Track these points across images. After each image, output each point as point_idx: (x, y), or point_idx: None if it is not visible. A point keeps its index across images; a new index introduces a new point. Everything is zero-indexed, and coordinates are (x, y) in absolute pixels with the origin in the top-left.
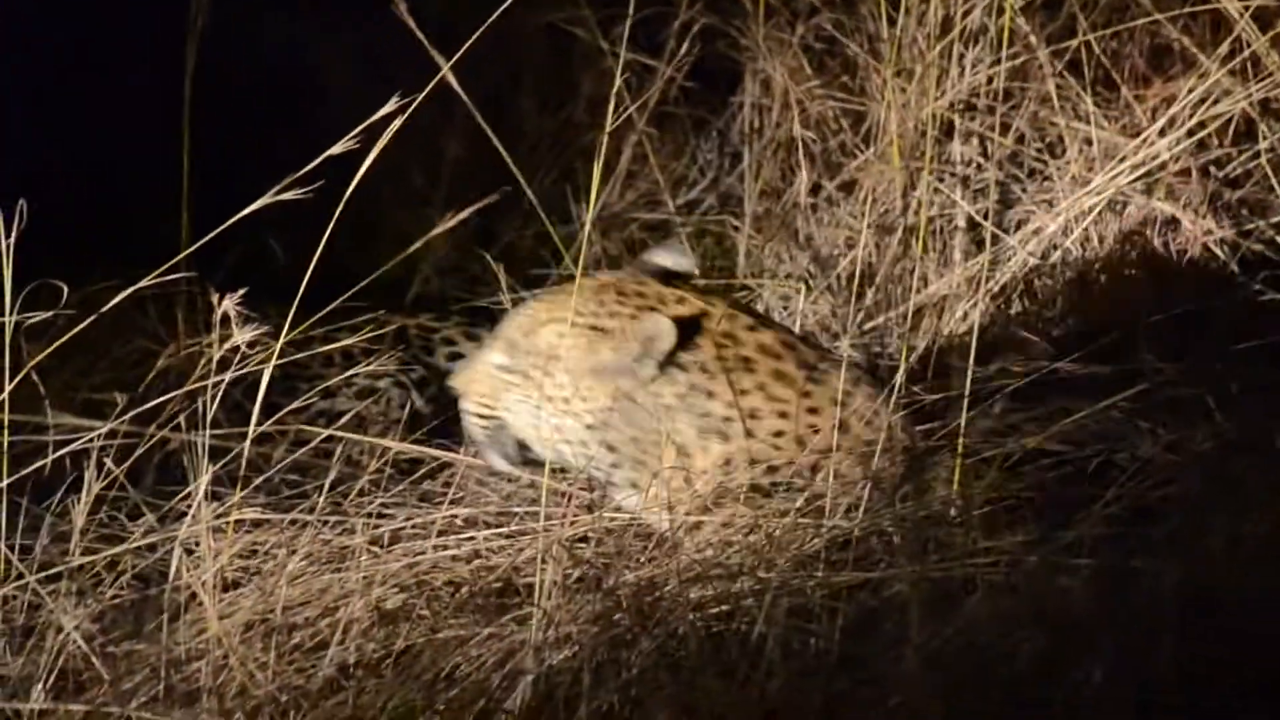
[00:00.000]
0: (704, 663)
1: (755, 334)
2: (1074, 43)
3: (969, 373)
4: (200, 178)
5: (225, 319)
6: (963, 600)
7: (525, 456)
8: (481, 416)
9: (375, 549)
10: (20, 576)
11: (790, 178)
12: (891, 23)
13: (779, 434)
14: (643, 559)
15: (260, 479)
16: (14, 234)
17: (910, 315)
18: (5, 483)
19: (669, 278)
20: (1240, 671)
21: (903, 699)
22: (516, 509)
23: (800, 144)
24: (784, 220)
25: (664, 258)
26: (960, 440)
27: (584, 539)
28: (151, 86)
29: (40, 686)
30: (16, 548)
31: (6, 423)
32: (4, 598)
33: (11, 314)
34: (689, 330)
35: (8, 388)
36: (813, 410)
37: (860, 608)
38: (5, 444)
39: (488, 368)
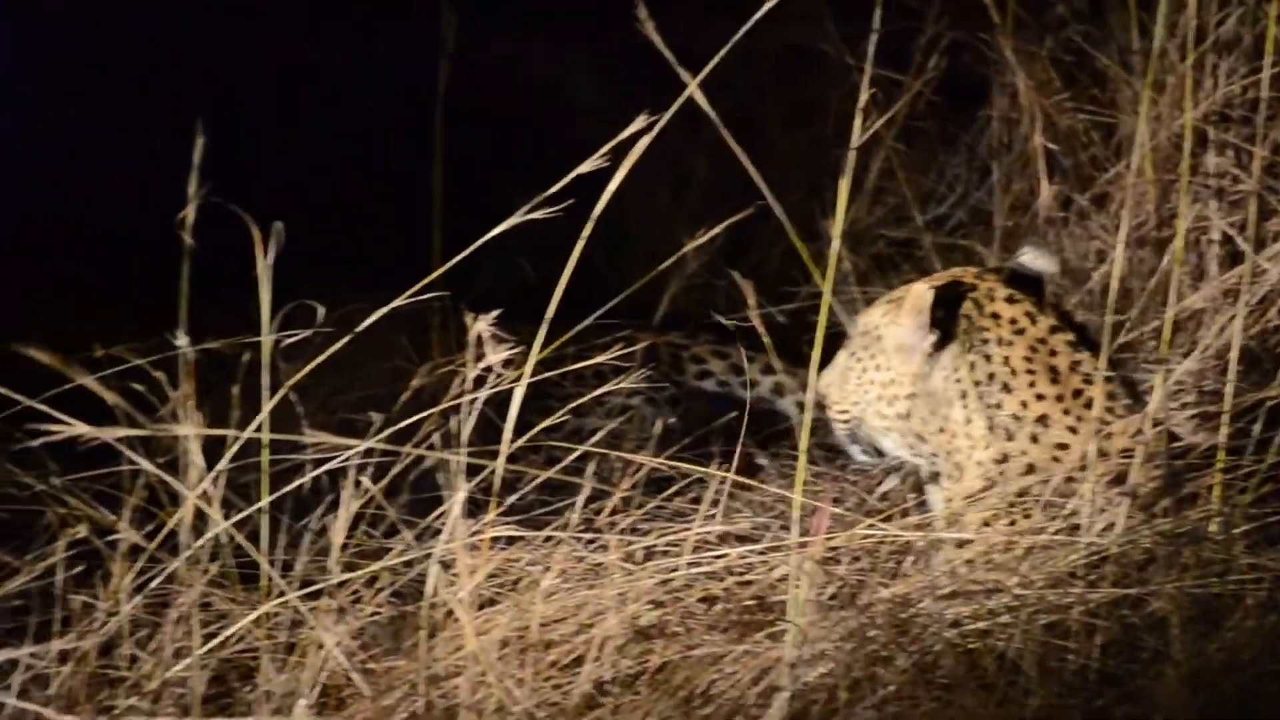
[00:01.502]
0: (961, 680)
1: (1073, 351)
2: None
3: (1230, 387)
4: (450, 196)
5: (478, 338)
6: (1225, 618)
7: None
8: (840, 415)
9: (629, 566)
10: (282, 594)
11: (1039, 191)
12: (1143, 33)
13: (1062, 446)
14: (897, 574)
15: (514, 497)
16: (272, 255)
17: (1166, 330)
18: (266, 501)
19: (1024, 280)
20: None
21: (1164, 716)
22: (770, 525)
23: (1049, 157)
24: (1033, 234)
25: (1026, 256)
26: (1221, 454)
27: (838, 554)
28: (401, 105)
29: (303, 702)
30: (278, 565)
31: (267, 441)
32: (267, 615)
33: (269, 333)
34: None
35: (267, 407)
36: (1105, 436)
37: (1119, 625)
38: (266, 462)
39: (841, 364)
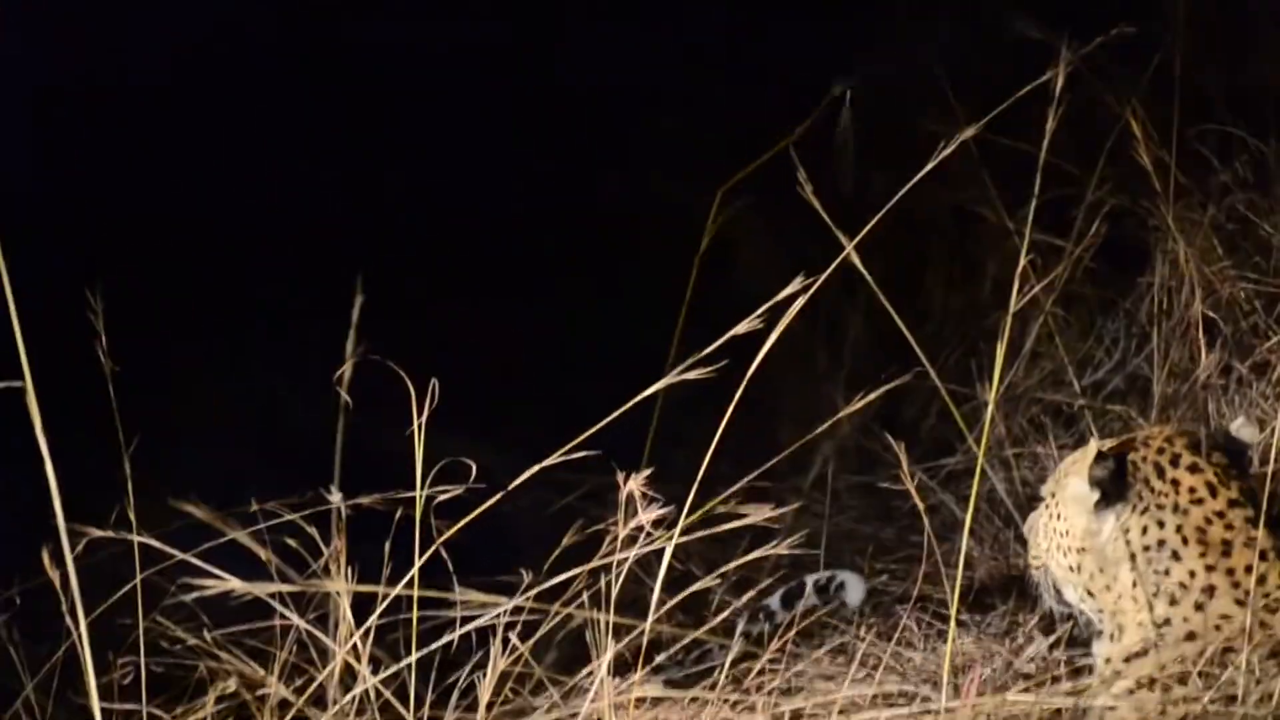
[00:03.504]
0: None
1: (1250, 527)
2: None
3: None
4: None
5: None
6: None
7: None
8: (1033, 558)
9: None
10: None
11: (1199, 359)
12: None
13: (1225, 617)
14: None
15: (662, 656)
16: (426, 413)
17: None
18: (414, 658)
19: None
20: None
21: None
22: (918, 688)
23: (1209, 324)
24: (1192, 402)
25: (1237, 423)
26: None
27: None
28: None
29: None
30: None
31: (416, 598)
32: None
33: (422, 490)
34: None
35: (418, 563)
36: (1271, 609)
37: None
38: (416, 618)
39: (1038, 512)
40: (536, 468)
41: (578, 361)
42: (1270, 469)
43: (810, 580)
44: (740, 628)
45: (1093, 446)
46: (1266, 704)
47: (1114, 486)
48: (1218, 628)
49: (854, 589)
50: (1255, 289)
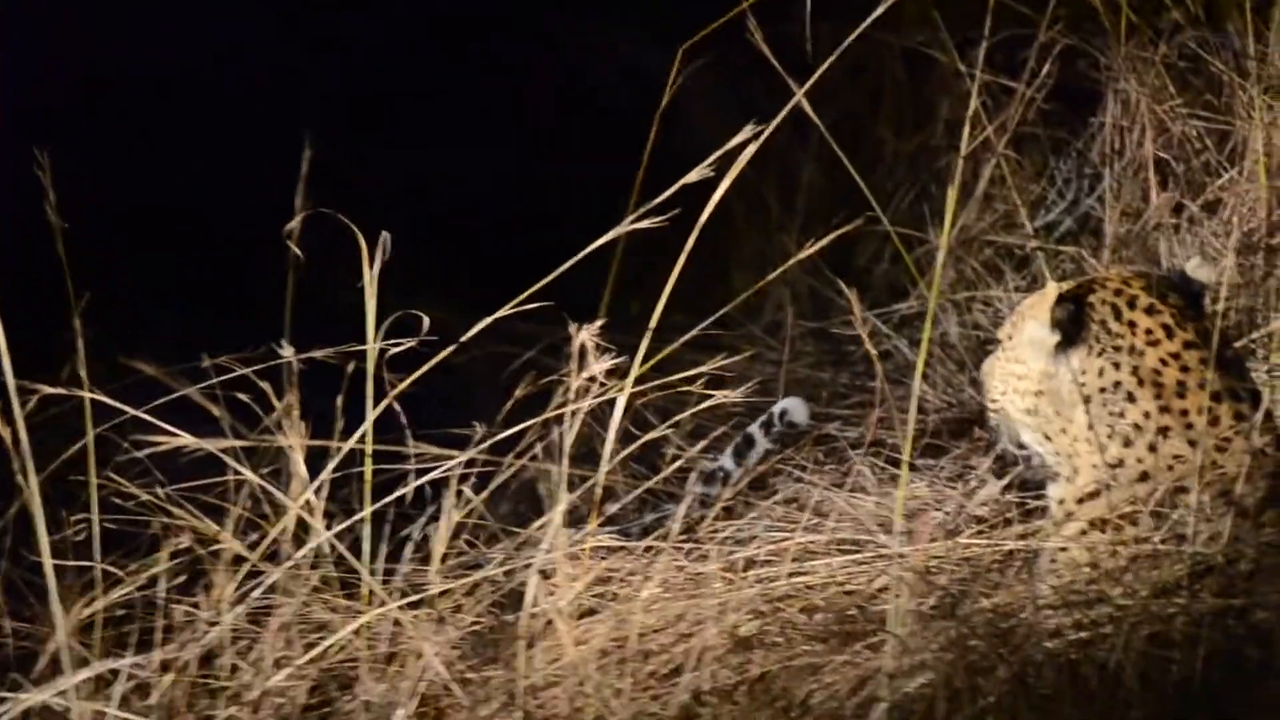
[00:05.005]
0: (1061, 691)
1: (1205, 368)
2: None
3: None
4: (559, 205)
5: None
6: None
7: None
8: (990, 403)
9: (729, 575)
10: (382, 604)
11: (1150, 198)
12: (1258, 39)
13: (1178, 458)
14: (999, 584)
15: (615, 506)
16: (379, 264)
17: (1276, 336)
18: (368, 511)
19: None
20: None
21: None
22: (871, 534)
23: (1161, 163)
24: (1144, 241)
25: (1192, 264)
26: None
27: (939, 564)
28: (511, 111)
29: (402, 712)
30: (379, 575)
31: (370, 452)
32: (367, 625)
33: (375, 343)
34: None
35: (370, 417)
36: (1221, 448)
37: (1223, 637)
38: (369, 473)
39: (994, 356)
40: (489, 319)
41: (534, 215)
42: (1222, 308)
43: (755, 428)
44: (698, 490)
45: (1051, 289)
46: (1216, 543)
47: (1073, 329)
48: (1170, 468)
49: (798, 411)
50: (1206, 127)
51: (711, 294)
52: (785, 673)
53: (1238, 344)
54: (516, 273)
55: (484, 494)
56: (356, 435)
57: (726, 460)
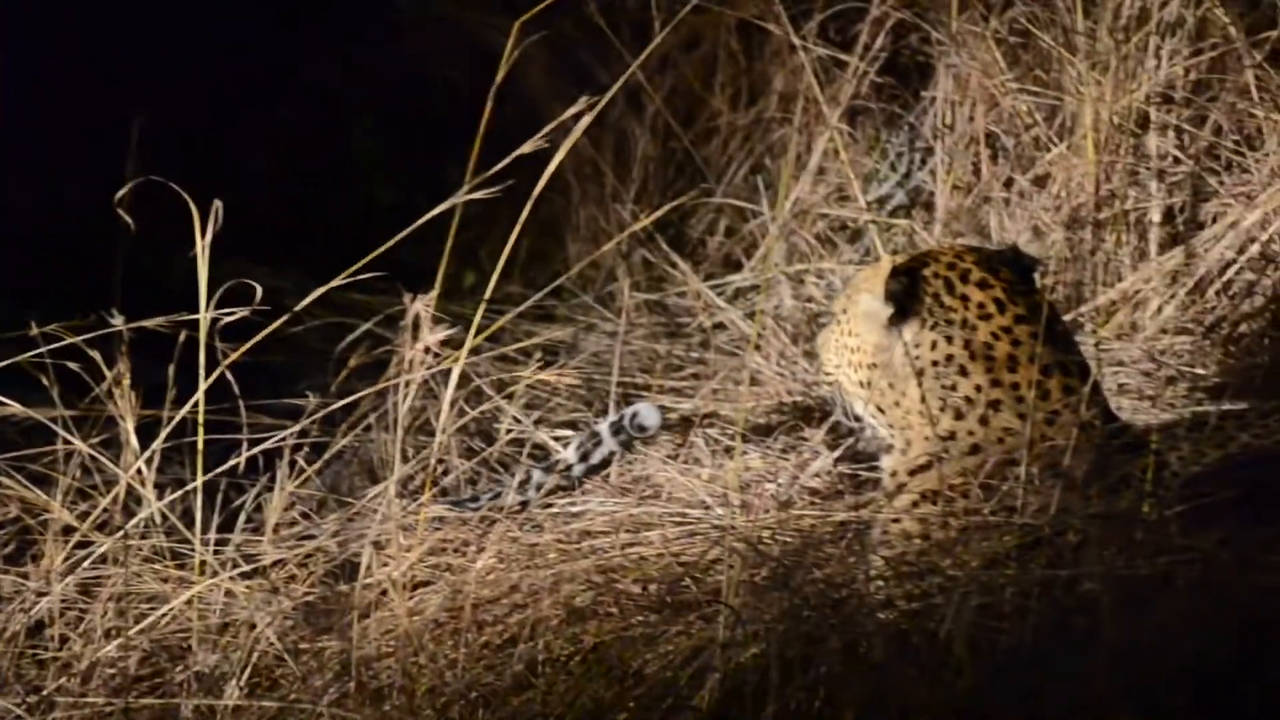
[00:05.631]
0: (892, 661)
1: (1035, 343)
2: (1274, 33)
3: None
4: (395, 176)
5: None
6: (1156, 598)
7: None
8: (825, 375)
9: (564, 547)
10: (215, 574)
11: (982, 173)
12: (1087, 15)
13: (1008, 431)
14: (831, 556)
15: (449, 477)
16: (210, 233)
17: (1103, 310)
18: (200, 481)
19: (1016, 263)
20: None
21: (1093, 697)
22: (705, 507)
23: (992, 138)
24: (975, 215)
25: (1024, 241)
26: (1155, 436)
27: (772, 535)
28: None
29: (234, 683)
30: (212, 545)
31: (202, 421)
32: (199, 595)
33: (207, 312)
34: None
35: (202, 386)
36: (1050, 421)
37: (1051, 606)
38: (201, 442)
39: (828, 329)
40: (322, 290)
41: (371, 187)
42: (1052, 283)
43: (605, 427)
44: (537, 474)
45: (885, 262)
46: (1044, 514)
47: (906, 302)
48: (1001, 441)
49: (649, 415)
50: (1036, 102)
51: (547, 265)
52: (619, 643)
53: (1067, 318)
54: (354, 245)
55: (317, 464)
56: (188, 405)
57: (571, 454)
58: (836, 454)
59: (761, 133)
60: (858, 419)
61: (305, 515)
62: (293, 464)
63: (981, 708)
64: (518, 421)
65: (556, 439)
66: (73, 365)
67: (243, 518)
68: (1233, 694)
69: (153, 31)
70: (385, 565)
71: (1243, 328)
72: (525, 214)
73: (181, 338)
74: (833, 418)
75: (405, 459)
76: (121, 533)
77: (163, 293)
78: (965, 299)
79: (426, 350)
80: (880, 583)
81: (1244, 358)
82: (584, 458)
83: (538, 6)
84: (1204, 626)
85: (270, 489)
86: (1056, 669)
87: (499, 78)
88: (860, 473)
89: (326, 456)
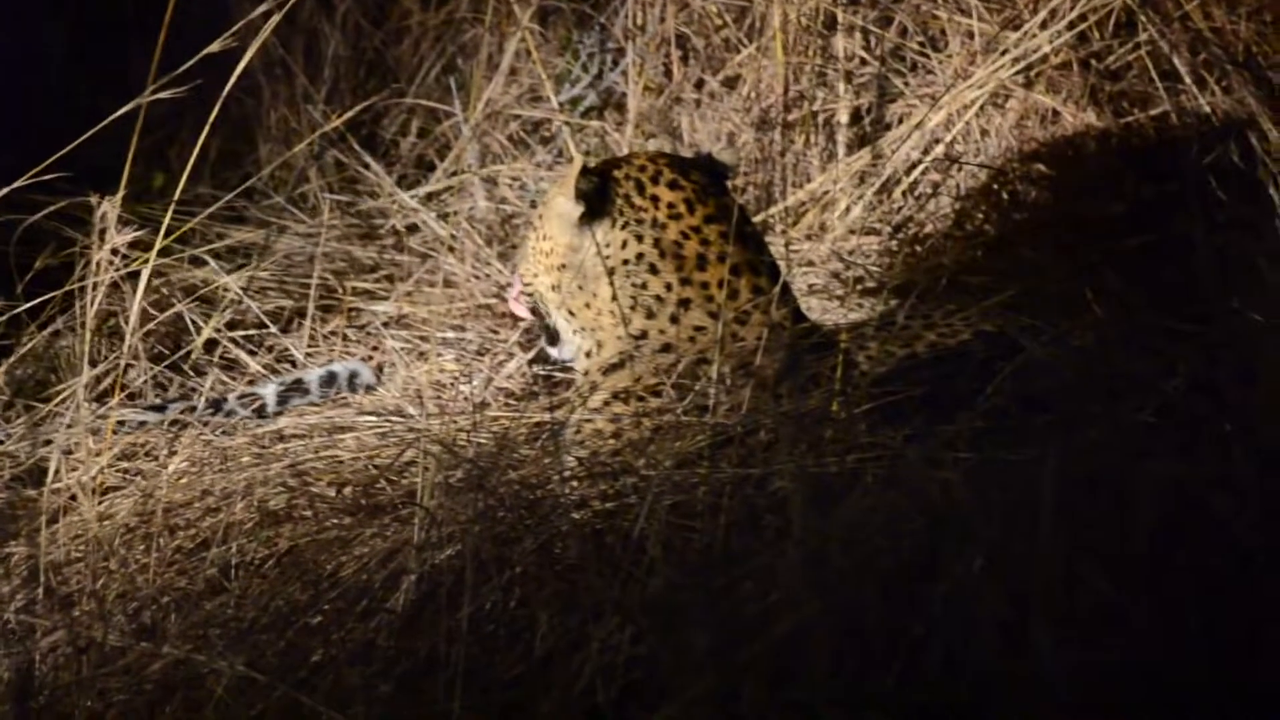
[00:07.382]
0: (586, 561)
1: (725, 242)
2: None
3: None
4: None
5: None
6: (845, 495)
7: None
8: (525, 287)
9: (257, 450)
10: None
11: (673, 74)
12: None
13: (699, 329)
14: (526, 457)
15: (140, 380)
16: None
17: (793, 211)
18: None
19: (711, 168)
20: (1119, 558)
21: (784, 593)
22: (399, 410)
23: (683, 39)
24: (666, 116)
25: (719, 149)
26: (843, 335)
27: (467, 436)
28: None
29: None
30: None
31: None
32: None
33: None
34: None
35: None
36: (740, 321)
37: (743, 505)
38: None
39: (526, 236)
40: (5, 189)
41: (55, 85)
42: (743, 184)
43: (313, 380)
44: (227, 404)
45: (576, 161)
46: (736, 413)
47: (597, 201)
48: (692, 340)
49: (368, 375)
50: (726, 3)
51: (238, 167)
52: (314, 546)
53: (757, 219)
54: (39, 145)
55: (2, 366)
56: None
57: (270, 395)
58: (531, 355)
59: (453, 33)
60: (553, 322)
61: None
62: None
63: (674, 606)
64: (213, 329)
65: (250, 352)
66: None
67: None
68: (919, 587)
69: None
70: (74, 470)
71: (928, 228)
72: (214, 115)
73: None
74: (528, 321)
75: (93, 363)
76: None
77: None
78: (656, 199)
79: (114, 252)
80: (575, 483)
81: (929, 258)
82: (282, 401)
83: None
84: (891, 522)
85: None
86: (748, 566)
87: None
88: (555, 374)
89: (12, 360)
